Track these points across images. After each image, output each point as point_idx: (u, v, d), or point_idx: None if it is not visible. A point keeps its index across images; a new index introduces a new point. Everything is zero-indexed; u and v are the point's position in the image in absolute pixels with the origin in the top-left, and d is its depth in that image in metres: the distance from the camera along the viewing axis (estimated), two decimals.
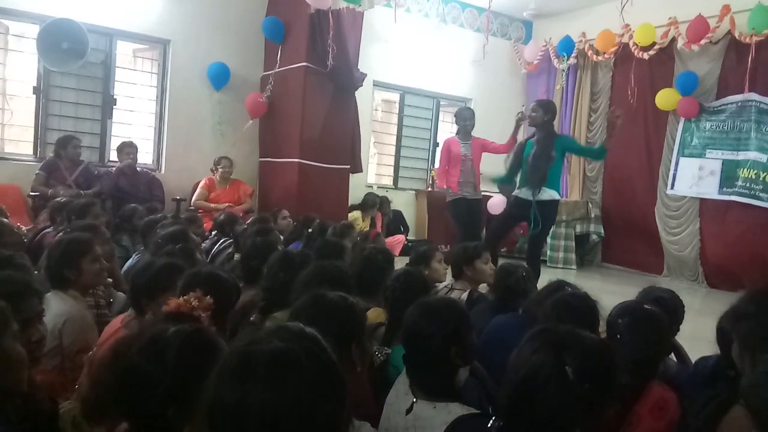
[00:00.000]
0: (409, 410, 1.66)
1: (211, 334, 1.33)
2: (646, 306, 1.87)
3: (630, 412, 1.68)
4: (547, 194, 4.81)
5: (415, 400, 1.67)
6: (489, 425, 1.35)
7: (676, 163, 7.07)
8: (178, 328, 1.29)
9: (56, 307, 2.01)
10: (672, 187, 7.09)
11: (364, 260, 2.71)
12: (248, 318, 2.40)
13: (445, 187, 5.76)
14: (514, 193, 5.08)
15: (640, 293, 2.44)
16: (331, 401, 0.98)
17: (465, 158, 5.63)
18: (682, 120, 7.00)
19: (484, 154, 5.75)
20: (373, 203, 7.04)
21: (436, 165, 6.89)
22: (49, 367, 1.89)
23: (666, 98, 6.87)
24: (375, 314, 2.42)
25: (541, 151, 4.79)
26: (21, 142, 6.04)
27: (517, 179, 5.08)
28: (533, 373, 1.21)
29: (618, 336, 1.76)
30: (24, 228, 4.51)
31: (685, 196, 6.97)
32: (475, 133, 5.78)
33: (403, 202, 8.01)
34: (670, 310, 2.29)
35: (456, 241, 5.68)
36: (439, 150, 5.97)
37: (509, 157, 5.53)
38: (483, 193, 7.30)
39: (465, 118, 5.71)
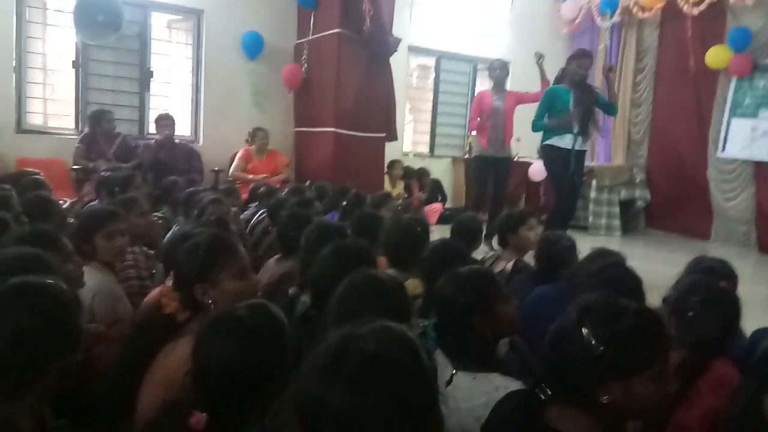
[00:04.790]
0: (448, 382, 1.64)
1: (273, 306, 1.36)
2: (722, 284, 1.81)
3: (691, 388, 1.63)
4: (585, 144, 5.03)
5: (454, 371, 1.64)
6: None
7: (728, 125, 6.74)
8: (253, 307, 1.31)
9: (85, 281, 2.02)
10: (723, 150, 6.78)
11: (401, 231, 2.67)
12: (283, 290, 2.40)
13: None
14: (550, 143, 4.94)
15: (689, 263, 2.32)
16: (411, 420, 0.92)
17: (496, 111, 5.50)
18: (734, 79, 6.64)
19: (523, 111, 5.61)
20: (396, 165, 7.02)
21: (474, 132, 6.76)
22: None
23: (717, 56, 6.52)
24: (412, 285, 2.38)
25: (589, 102, 4.87)
26: (63, 117, 6.16)
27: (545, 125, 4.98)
28: (557, 335, 1.26)
29: (690, 313, 1.70)
30: (68, 201, 4.63)
31: (738, 159, 6.66)
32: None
33: (440, 170, 7.90)
34: (723, 279, 2.19)
35: (472, 200, 5.75)
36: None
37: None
38: (522, 159, 7.18)
39: (493, 68, 5.64)
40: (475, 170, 5.83)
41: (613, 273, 2.02)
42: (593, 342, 1.18)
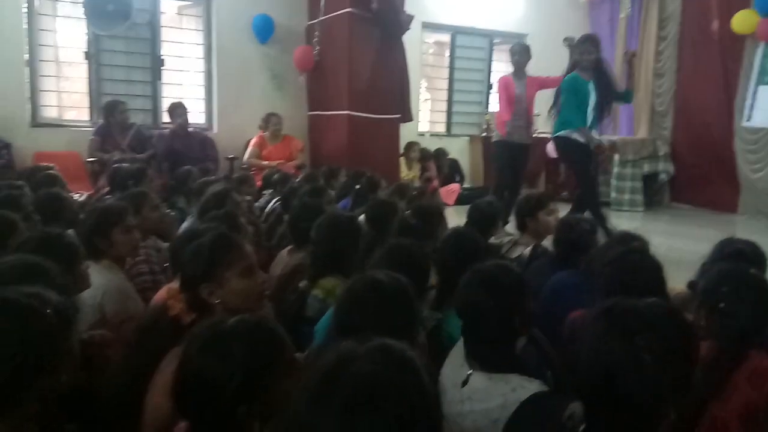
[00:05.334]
0: (464, 383, 1.58)
1: (273, 324, 1.28)
2: (752, 271, 1.71)
3: (726, 381, 1.56)
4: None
5: (470, 371, 1.59)
6: (566, 413, 1.25)
7: (754, 93, 6.49)
8: (237, 321, 1.23)
9: (93, 279, 1.99)
10: (749, 119, 6.54)
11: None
12: (296, 283, 2.36)
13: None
14: (565, 135, 4.77)
15: (716, 246, 2.22)
16: None
17: (519, 98, 5.31)
18: (762, 44, 6.37)
19: (542, 94, 5.43)
20: (413, 147, 6.88)
21: (491, 109, 6.57)
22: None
23: (744, 20, 6.24)
24: None
25: (607, 94, 4.75)
26: (78, 109, 6.17)
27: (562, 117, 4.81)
28: (608, 365, 1.15)
29: (721, 305, 1.62)
30: (85, 194, 4.64)
31: (764, 128, 6.41)
32: (533, 71, 5.46)
33: (457, 149, 7.75)
34: (752, 263, 2.08)
35: (494, 186, 5.54)
36: (493, 92, 5.65)
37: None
38: (542, 135, 7.01)
39: (514, 53, 5.39)
40: (497, 157, 5.52)
41: (631, 260, 1.93)
42: (657, 366, 1.12)
